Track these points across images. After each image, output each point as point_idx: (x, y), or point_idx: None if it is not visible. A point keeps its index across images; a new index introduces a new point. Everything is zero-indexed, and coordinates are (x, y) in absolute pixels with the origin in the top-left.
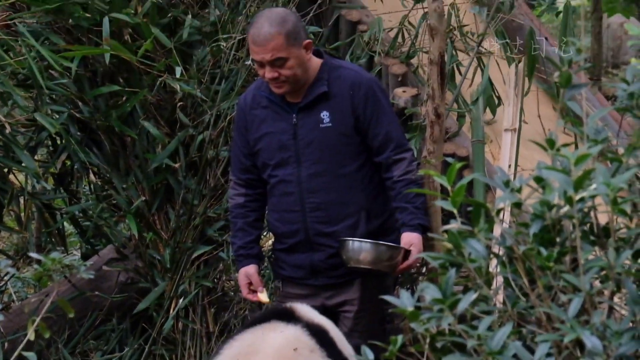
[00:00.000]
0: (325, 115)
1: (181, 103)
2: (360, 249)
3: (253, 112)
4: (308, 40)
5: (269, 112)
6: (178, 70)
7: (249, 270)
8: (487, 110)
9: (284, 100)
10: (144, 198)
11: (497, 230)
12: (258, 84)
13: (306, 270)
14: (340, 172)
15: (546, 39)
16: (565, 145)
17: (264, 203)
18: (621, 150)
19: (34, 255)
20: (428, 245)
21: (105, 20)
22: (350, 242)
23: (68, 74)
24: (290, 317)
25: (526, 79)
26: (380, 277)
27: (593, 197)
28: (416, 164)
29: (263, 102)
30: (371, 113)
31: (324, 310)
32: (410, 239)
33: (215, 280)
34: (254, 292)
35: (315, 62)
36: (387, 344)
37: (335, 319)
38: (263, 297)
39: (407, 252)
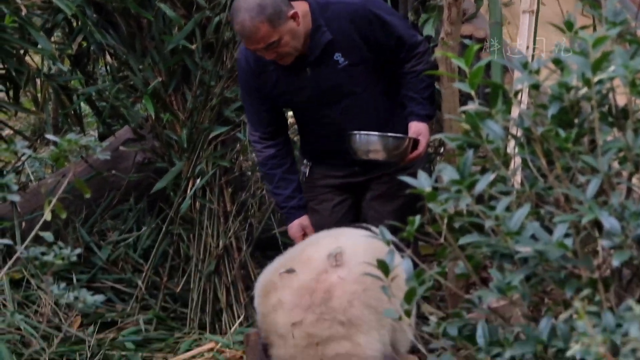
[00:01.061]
0: (338, 56)
1: None
2: (368, 141)
3: (263, 76)
4: (292, 11)
5: (280, 74)
6: None
7: (303, 221)
8: None
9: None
10: (160, 79)
11: (515, 112)
12: None
13: (346, 161)
14: (371, 98)
15: None
16: (584, 27)
17: (292, 147)
18: None
19: (50, 136)
20: (446, 126)
21: None
22: (357, 134)
23: None
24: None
25: None
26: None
27: (611, 79)
28: (430, 49)
29: (269, 65)
30: (379, 32)
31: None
32: (418, 129)
33: (233, 160)
34: None
35: (303, 9)
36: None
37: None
38: None
39: (416, 142)
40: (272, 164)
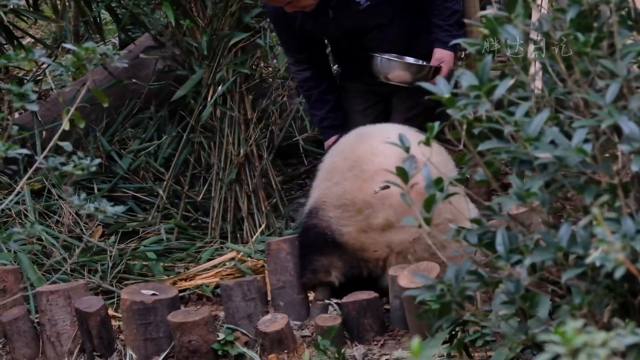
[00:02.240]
0: None
1: None
2: (389, 65)
3: (288, 16)
4: None
5: (305, 16)
6: None
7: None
8: None
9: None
10: None
11: (534, 16)
12: None
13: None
14: (397, 28)
15: None
16: None
17: (330, 70)
18: None
19: (67, 45)
20: (466, 31)
21: None
22: (379, 57)
23: None
24: None
25: None
26: None
27: None
28: None
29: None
30: None
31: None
32: (441, 56)
33: (253, 67)
34: None
35: None
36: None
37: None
38: None
39: (438, 70)
40: (308, 85)
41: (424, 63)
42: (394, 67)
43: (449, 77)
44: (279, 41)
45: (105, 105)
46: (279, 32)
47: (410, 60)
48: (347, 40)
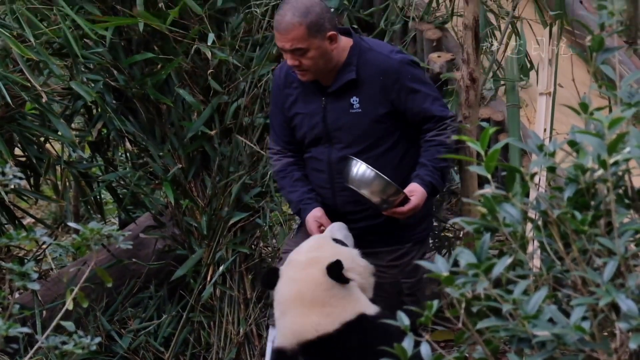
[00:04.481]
0: (355, 100)
1: (211, 71)
2: (363, 174)
3: (286, 91)
4: (332, 32)
5: (300, 93)
6: (210, 37)
7: (317, 212)
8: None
9: (314, 83)
10: (180, 165)
11: (531, 195)
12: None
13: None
14: (371, 154)
15: (581, 1)
16: (599, 108)
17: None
18: None
19: (72, 224)
20: (464, 209)
21: None
22: (356, 161)
23: (103, 43)
24: None
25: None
26: (409, 249)
27: (627, 160)
28: (455, 127)
29: (295, 82)
30: (406, 96)
31: None
32: (414, 188)
33: (252, 247)
34: None
35: (345, 43)
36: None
37: None
38: None
39: (403, 202)
40: (290, 168)
41: (399, 188)
42: (367, 177)
43: (411, 211)
44: (270, 127)
45: (109, 285)
46: (275, 111)
47: (388, 178)
48: (324, 141)
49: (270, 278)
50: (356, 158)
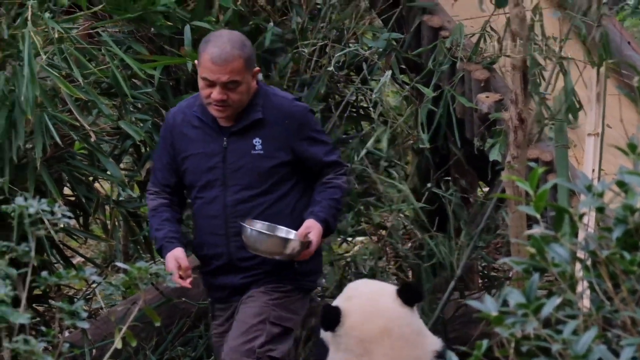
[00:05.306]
0: (257, 142)
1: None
2: (257, 237)
3: (182, 131)
4: (257, 68)
5: (200, 133)
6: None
7: (177, 252)
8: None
9: (215, 122)
10: None
11: (580, 235)
12: (190, 103)
13: (228, 290)
14: (266, 199)
15: (629, 42)
16: None
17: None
18: None
19: (120, 264)
20: (514, 250)
21: (187, 28)
22: (249, 229)
23: (151, 82)
24: None
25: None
26: (297, 294)
27: None
28: (346, 172)
29: (194, 121)
30: (307, 145)
31: None
32: (311, 224)
33: None
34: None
35: (254, 85)
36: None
37: None
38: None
39: (307, 244)
40: (163, 208)
41: (295, 237)
42: (261, 240)
43: (314, 249)
44: (152, 170)
45: (157, 324)
46: (161, 154)
47: (281, 234)
48: (220, 183)
49: (332, 317)
50: (246, 223)
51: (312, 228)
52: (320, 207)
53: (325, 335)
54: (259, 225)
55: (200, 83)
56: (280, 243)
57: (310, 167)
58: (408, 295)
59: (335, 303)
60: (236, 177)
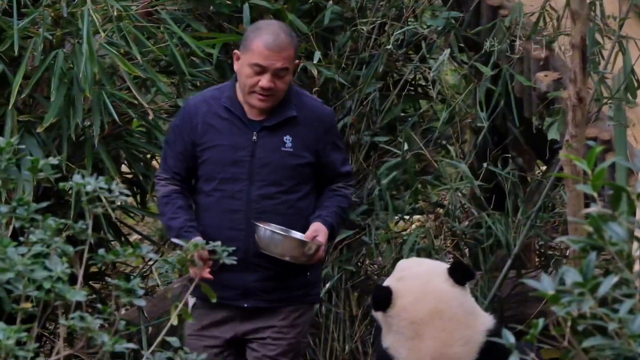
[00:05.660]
0: (287, 139)
1: (317, 89)
2: (271, 238)
3: (207, 121)
4: (298, 61)
5: (227, 125)
6: (317, 55)
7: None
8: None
9: (245, 116)
10: None
11: (638, 214)
12: (214, 94)
13: (237, 291)
14: (290, 198)
15: None
16: None
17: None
18: None
19: (176, 240)
20: (571, 228)
21: (246, 6)
22: (263, 229)
23: (210, 60)
24: None
25: None
26: (308, 310)
27: None
28: (353, 185)
29: (222, 112)
30: (330, 150)
31: (228, 341)
32: (318, 228)
33: (359, 264)
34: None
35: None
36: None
37: (241, 350)
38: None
39: (319, 246)
40: (175, 195)
41: (306, 240)
42: (276, 241)
43: (324, 252)
44: (163, 157)
45: (214, 300)
46: (175, 142)
47: (297, 235)
48: (244, 178)
49: (383, 297)
50: (258, 224)
51: (319, 231)
52: (328, 212)
53: (377, 315)
54: (272, 227)
55: (248, 71)
56: (297, 245)
57: (326, 173)
58: (459, 274)
59: (386, 283)
60: (263, 172)
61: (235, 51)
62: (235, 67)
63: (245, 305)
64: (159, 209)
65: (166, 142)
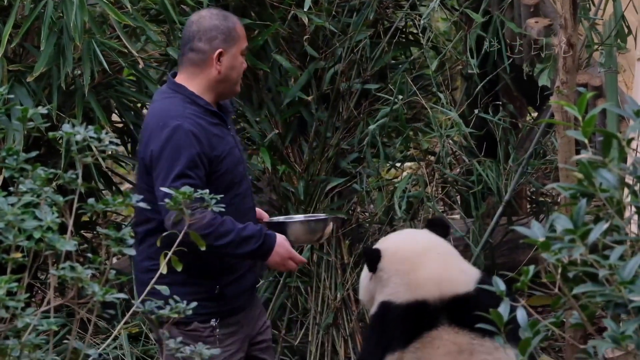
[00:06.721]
0: (231, 125)
1: (308, 37)
2: (310, 227)
3: (212, 132)
4: None
5: (220, 129)
6: (307, 3)
7: (282, 239)
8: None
9: (220, 111)
10: (277, 131)
11: (629, 160)
12: (190, 108)
13: (248, 292)
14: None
15: None
16: None
17: None
18: None
19: (164, 189)
20: (562, 175)
21: None
22: (290, 222)
23: (199, 8)
24: None
25: None
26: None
27: None
28: None
29: (212, 118)
30: None
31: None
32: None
33: (350, 212)
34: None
35: None
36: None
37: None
38: None
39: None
40: (219, 215)
41: (324, 217)
42: (319, 227)
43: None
44: (190, 180)
45: (203, 248)
46: (198, 166)
47: (299, 217)
48: (243, 176)
49: (373, 257)
50: (272, 219)
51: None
52: None
53: (368, 285)
54: (283, 219)
55: (240, 59)
56: (321, 224)
57: None
58: (438, 228)
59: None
60: (243, 162)
61: (219, 50)
62: (221, 67)
63: (251, 304)
64: (214, 235)
65: (191, 162)
